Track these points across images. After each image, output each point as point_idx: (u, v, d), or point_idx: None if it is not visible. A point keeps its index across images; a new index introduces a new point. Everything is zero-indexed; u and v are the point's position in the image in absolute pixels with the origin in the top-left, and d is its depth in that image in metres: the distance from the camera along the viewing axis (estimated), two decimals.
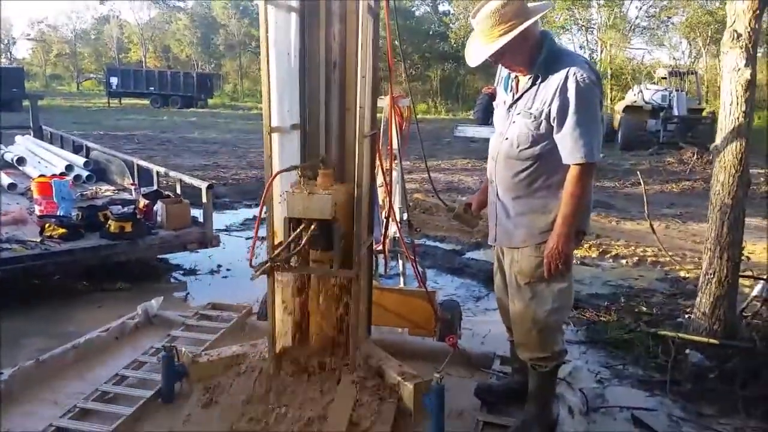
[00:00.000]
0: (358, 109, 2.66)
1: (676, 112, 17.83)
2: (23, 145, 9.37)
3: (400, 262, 4.43)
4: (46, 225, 5.24)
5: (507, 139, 2.58)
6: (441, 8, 43.09)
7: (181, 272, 5.94)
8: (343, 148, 2.92)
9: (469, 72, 36.06)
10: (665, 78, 20.48)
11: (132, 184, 6.94)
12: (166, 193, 6.29)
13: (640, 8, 32.64)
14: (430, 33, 39.99)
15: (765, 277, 4.71)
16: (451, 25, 37.00)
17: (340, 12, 2.80)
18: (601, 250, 6.80)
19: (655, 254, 6.57)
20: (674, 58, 33.00)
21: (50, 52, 60.52)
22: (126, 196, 6.82)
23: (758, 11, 3.72)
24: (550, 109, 2.42)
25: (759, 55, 4.34)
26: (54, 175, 6.69)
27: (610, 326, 4.47)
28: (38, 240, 5.07)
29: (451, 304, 3.98)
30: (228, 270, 5.95)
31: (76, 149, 8.98)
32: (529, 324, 2.63)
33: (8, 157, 8.58)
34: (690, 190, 11.19)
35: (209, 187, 5.67)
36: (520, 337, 2.73)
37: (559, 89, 2.39)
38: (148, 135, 19.09)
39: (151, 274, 5.73)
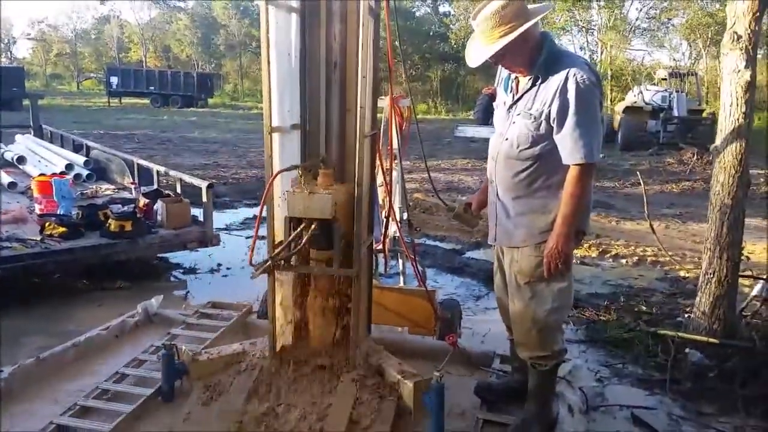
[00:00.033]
0: (358, 109, 2.66)
1: (676, 113, 17.84)
2: (23, 144, 9.38)
3: (400, 261, 4.44)
4: (47, 224, 5.24)
5: (507, 139, 2.59)
6: (441, 9, 43.21)
7: (181, 271, 5.95)
8: (344, 148, 2.93)
9: (470, 72, 36.10)
10: (665, 79, 20.48)
11: (132, 183, 6.96)
12: (167, 192, 6.30)
13: (641, 10, 32.65)
14: (431, 34, 40.02)
15: (764, 276, 4.72)
16: (451, 26, 37.02)
17: (341, 12, 2.81)
18: (600, 249, 6.81)
19: (655, 254, 6.58)
20: (674, 60, 33.00)
21: (50, 51, 60.54)
22: (126, 195, 6.83)
23: (758, 13, 3.73)
24: (550, 110, 2.43)
25: (759, 56, 4.34)
26: (54, 174, 6.69)
27: (610, 325, 4.48)
28: (38, 239, 5.07)
29: (451, 303, 3.98)
30: (228, 269, 5.96)
31: (77, 148, 8.98)
32: (529, 323, 2.64)
33: (8, 156, 8.59)
34: (690, 191, 11.20)
35: (209, 187, 5.68)
36: (519, 336, 2.73)
37: (559, 90, 2.40)
38: (149, 134, 19.10)
39: (151, 273, 5.74)
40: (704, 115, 18.34)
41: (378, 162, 3.29)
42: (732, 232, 3.93)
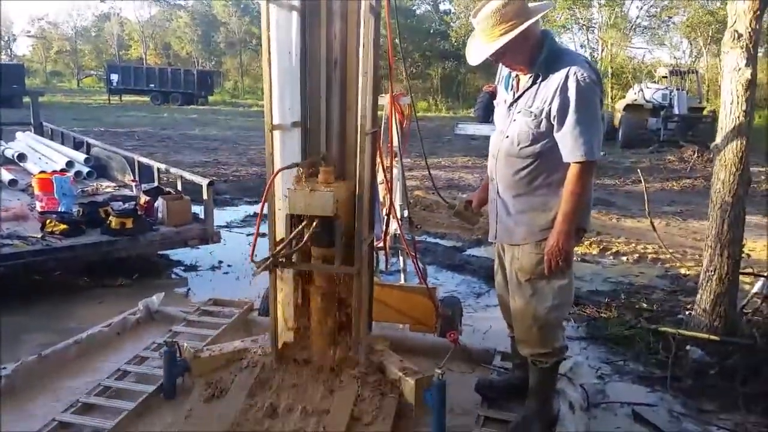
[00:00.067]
0: (359, 107, 2.66)
1: (676, 111, 17.84)
2: (24, 141, 9.38)
3: (401, 258, 4.44)
4: (47, 221, 5.25)
5: (508, 137, 2.60)
6: (442, 7, 43.15)
7: (182, 268, 5.95)
8: (344, 146, 2.93)
9: (470, 70, 36.04)
10: (666, 77, 20.48)
11: (133, 181, 6.95)
12: (167, 189, 6.30)
13: (641, 8, 32.58)
14: (431, 31, 40.00)
15: (765, 274, 4.73)
16: (451, 23, 37.02)
17: (341, 10, 2.80)
18: (601, 247, 6.80)
19: (656, 251, 6.58)
20: (675, 58, 33.05)
21: (51, 49, 60.51)
22: (127, 192, 6.84)
23: (759, 11, 3.73)
24: (550, 108, 2.43)
25: (759, 54, 4.35)
26: (55, 172, 6.69)
27: (611, 322, 4.49)
28: (39, 236, 5.08)
29: (451, 300, 3.99)
30: (229, 266, 5.95)
31: (77, 146, 8.98)
32: (530, 321, 2.64)
33: (9, 153, 8.58)
34: (690, 188, 11.20)
35: (210, 184, 5.68)
36: (520, 334, 2.74)
37: (559, 88, 2.40)
38: (149, 132, 19.09)
39: (152, 270, 5.74)
40: (705, 113, 18.37)
41: (378, 159, 3.29)
42: (733, 229, 3.94)
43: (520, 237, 2.63)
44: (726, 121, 3.90)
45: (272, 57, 2.66)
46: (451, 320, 3.69)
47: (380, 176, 3.49)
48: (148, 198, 5.85)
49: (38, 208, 5.85)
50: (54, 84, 52.72)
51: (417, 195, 9.05)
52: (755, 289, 4.55)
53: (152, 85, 35.88)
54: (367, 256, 3.07)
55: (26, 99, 14.93)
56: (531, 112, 2.49)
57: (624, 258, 6.50)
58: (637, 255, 6.56)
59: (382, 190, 3.69)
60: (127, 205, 5.62)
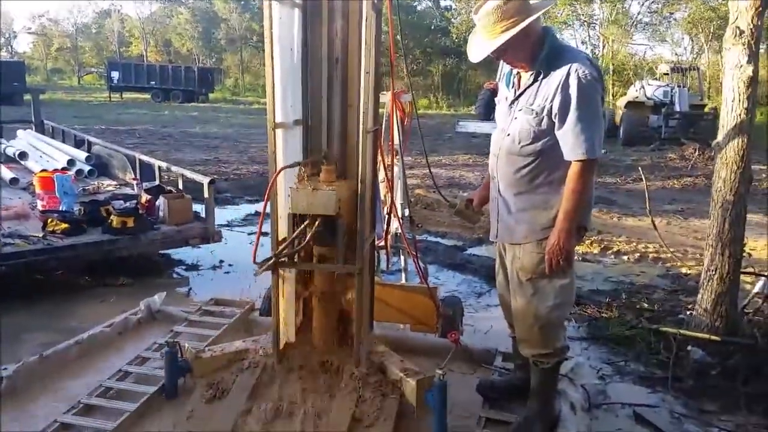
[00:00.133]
0: (361, 104, 2.65)
1: (677, 108, 17.79)
2: (25, 139, 9.37)
3: (402, 257, 4.44)
4: (49, 220, 5.25)
5: (509, 135, 2.59)
6: (443, 3, 43.05)
7: (184, 267, 5.95)
8: (345, 144, 2.92)
9: (471, 67, 35.98)
10: (667, 74, 20.39)
11: (134, 179, 6.94)
12: (168, 188, 6.30)
13: (642, 4, 32.47)
14: (432, 28, 39.97)
15: (766, 273, 4.71)
16: (452, 20, 36.96)
17: (343, 8, 2.80)
18: (602, 246, 6.80)
19: (657, 250, 6.57)
20: (676, 54, 32.96)
21: (51, 46, 60.50)
22: (128, 191, 6.83)
23: (761, 8, 3.72)
24: (551, 106, 2.43)
25: (761, 51, 4.33)
26: (56, 170, 6.69)
27: (612, 322, 4.48)
28: (41, 235, 5.08)
29: (452, 300, 3.98)
30: (230, 265, 5.96)
31: (78, 144, 8.98)
32: (531, 320, 2.64)
33: (10, 151, 8.59)
34: (691, 186, 11.18)
35: (211, 182, 5.68)
36: (522, 334, 2.73)
37: (560, 85, 2.39)
38: (150, 129, 19.09)
39: (153, 270, 5.74)
40: (706, 110, 18.31)
41: (380, 158, 3.28)
42: (734, 228, 3.93)
43: (521, 236, 2.63)
44: (727, 119, 3.89)
45: (275, 55, 2.65)
46: (452, 320, 3.68)
47: (381, 174, 3.48)
48: (149, 197, 5.85)
49: (39, 207, 5.85)
50: (55, 81, 52.75)
51: (418, 193, 9.04)
52: (756, 289, 4.54)
53: (153, 83, 35.86)
54: (369, 256, 3.06)
55: (27, 96, 14.89)
56: (532, 110, 2.48)
57: (625, 257, 6.49)
58: (638, 254, 6.55)
59: (383, 188, 3.68)
60: (128, 204, 5.63)
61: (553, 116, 2.43)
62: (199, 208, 5.94)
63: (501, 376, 3.26)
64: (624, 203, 9.41)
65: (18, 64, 32.65)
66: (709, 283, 4.04)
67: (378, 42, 2.88)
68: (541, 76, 2.48)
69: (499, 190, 2.69)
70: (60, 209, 5.66)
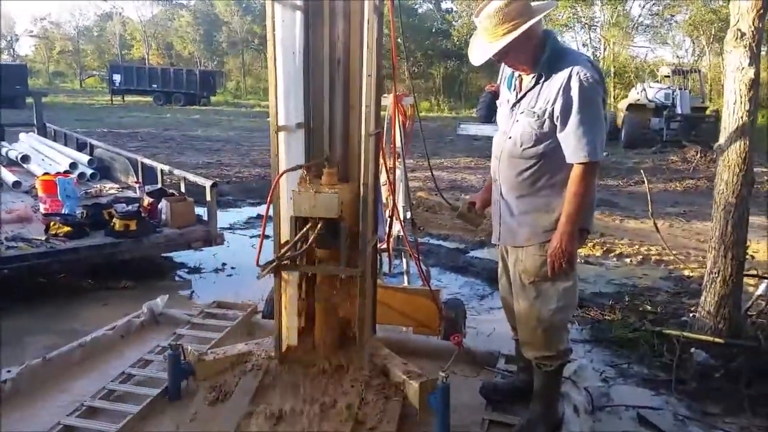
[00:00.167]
0: (363, 107, 2.65)
1: (679, 111, 17.79)
2: (27, 142, 9.40)
3: (404, 260, 4.44)
4: (51, 223, 5.26)
5: (510, 137, 2.59)
6: (444, 6, 43.12)
7: (186, 270, 5.96)
8: (347, 147, 2.92)
9: (472, 70, 36.00)
10: (668, 76, 20.41)
11: (136, 182, 6.96)
12: (171, 191, 6.31)
13: (644, 6, 32.47)
14: (433, 30, 39.96)
15: None
16: (453, 22, 37.06)
17: (345, 10, 2.80)
18: (605, 248, 6.79)
19: (659, 253, 6.56)
20: (678, 57, 32.92)
21: (53, 49, 60.63)
22: (130, 194, 6.84)
23: (762, 10, 3.72)
24: (553, 108, 2.43)
25: (762, 53, 4.33)
26: (58, 173, 6.70)
27: (615, 325, 4.48)
28: (43, 238, 5.09)
29: (455, 302, 3.98)
30: (232, 268, 5.96)
31: (80, 147, 9.00)
32: (534, 323, 2.63)
33: (12, 154, 8.60)
34: (694, 189, 11.16)
35: (213, 185, 5.68)
36: (525, 336, 2.73)
37: (562, 88, 2.39)
38: (152, 132, 19.12)
39: (155, 273, 5.74)
40: (708, 112, 18.32)
41: (381, 161, 3.28)
42: (736, 230, 3.93)
43: (524, 238, 2.62)
44: (729, 121, 3.89)
45: (277, 57, 2.66)
46: (455, 323, 3.68)
47: (383, 177, 3.48)
48: (151, 200, 5.86)
49: (42, 210, 5.86)
50: (57, 84, 52.84)
51: (420, 196, 9.05)
52: (759, 291, 4.54)
53: (155, 86, 35.91)
54: (371, 258, 3.07)
55: (29, 100, 14.95)
56: (534, 113, 2.48)
57: (627, 260, 6.48)
58: (641, 256, 6.55)
59: (385, 191, 3.68)
60: (130, 207, 5.64)
61: (554, 119, 2.43)
62: (201, 211, 5.95)
63: (504, 379, 3.25)
64: (626, 206, 9.40)
65: (20, 67, 32.72)
66: (712, 286, 4.04)
67: (380, 44, 2.88)
68: (543, 79, 2.48)
69: (501, 193, 2.69)
70: (62, 212, 5.67)
